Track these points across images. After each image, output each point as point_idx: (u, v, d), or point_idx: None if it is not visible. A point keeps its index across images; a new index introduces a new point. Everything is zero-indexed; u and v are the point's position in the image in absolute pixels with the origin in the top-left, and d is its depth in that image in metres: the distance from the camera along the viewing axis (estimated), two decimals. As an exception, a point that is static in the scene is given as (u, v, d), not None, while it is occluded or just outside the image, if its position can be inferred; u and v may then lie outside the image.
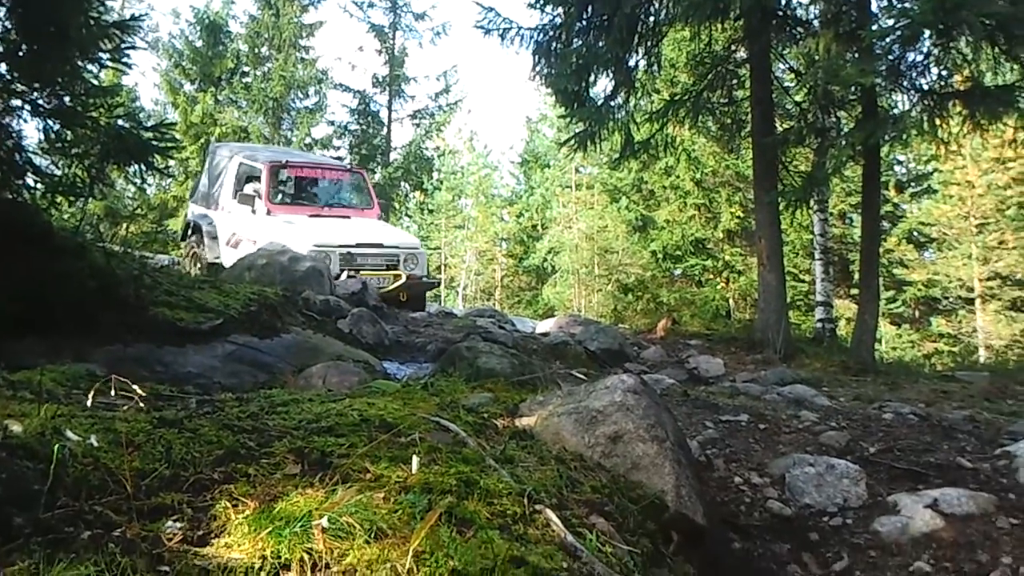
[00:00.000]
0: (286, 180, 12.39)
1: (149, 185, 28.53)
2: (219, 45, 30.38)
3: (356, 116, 31.06)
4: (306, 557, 1.52)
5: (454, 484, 1.92)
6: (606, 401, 2.64)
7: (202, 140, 27.78)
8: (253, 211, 11.21)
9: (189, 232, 12.80)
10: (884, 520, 2.99)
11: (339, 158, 26.66)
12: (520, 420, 2.72)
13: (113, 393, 2.13)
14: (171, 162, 25.07)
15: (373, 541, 1.58)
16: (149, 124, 5.63)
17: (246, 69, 30.51)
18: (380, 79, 30.65)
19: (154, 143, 5.27)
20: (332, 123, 31.36)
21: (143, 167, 5.31)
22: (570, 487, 2.21)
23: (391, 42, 30.54)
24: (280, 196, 11.87)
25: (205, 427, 2.14)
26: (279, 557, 1.51)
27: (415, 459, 1.98)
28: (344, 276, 9.54)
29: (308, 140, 29.49)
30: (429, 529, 1.60)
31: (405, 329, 7.12)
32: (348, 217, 11.77)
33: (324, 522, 1.58)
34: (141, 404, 2.40)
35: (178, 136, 25.70)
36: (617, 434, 2.52)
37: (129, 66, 5.13)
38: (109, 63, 5.20)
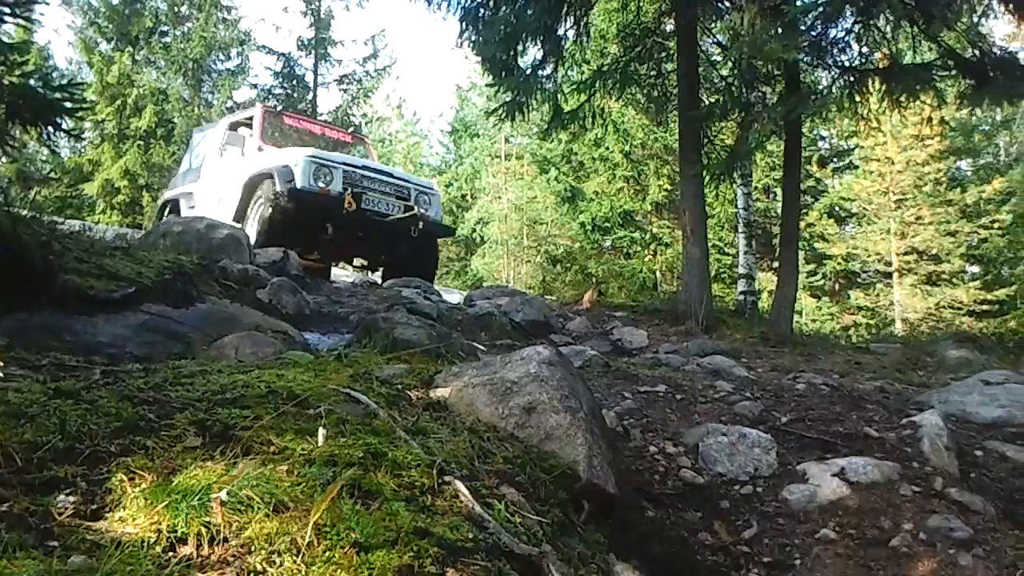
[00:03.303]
0: (282, 128, 11.72)
1: (63, 148, 27.62)
2: (137, 3, 29.45)
3: (280, 80, 30.29)
4: (203, 531, 1.47)
5: (361, 456, 1.88)
6: (521, 372, 2.63)
7: (118, 102, 26.94)
8: (243, 152, 10.59)
9: (166, 213, 11.95)
10: (793, 488, 3.06)
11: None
12: (435, 391, 2.70)
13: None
14: (85, 124, 24.30)
15: (273, 514, 1.54)
16: (59, 83, 5.41)
17: (165, 28, 29.67)
18: (305, 42, 29.93)
19: (63, 103, 5.07)
20: (255, 86, 30.62)
21: (51, 128, 5.12)
22: (482, 458, 2.20)
23: (317, 4, 29.81)
24: (275, 137, 11.20)
25: (104, 398, 2.06)
26: (175, 531, 1.46)
27: (321, 431, 1.94)
28: (349, 194, 9.11)
29: (230, 103, 28.78)
30: (331, 501, 1.57)
31: (328, 299, 7.02)
32: None
33: (223, 495, 1.54)
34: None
35: (93, 97, 24.92)
36: (531, 405, 2.52)
37: (33, 21, 4.92)
38: (13, 19, 4.98)
